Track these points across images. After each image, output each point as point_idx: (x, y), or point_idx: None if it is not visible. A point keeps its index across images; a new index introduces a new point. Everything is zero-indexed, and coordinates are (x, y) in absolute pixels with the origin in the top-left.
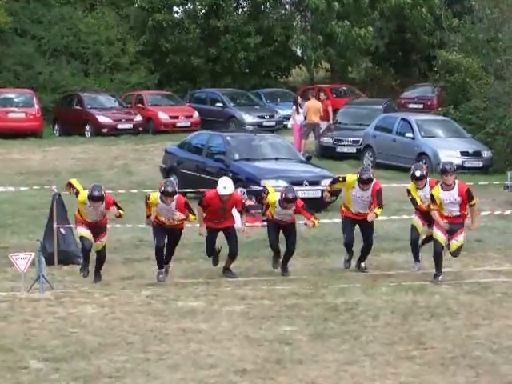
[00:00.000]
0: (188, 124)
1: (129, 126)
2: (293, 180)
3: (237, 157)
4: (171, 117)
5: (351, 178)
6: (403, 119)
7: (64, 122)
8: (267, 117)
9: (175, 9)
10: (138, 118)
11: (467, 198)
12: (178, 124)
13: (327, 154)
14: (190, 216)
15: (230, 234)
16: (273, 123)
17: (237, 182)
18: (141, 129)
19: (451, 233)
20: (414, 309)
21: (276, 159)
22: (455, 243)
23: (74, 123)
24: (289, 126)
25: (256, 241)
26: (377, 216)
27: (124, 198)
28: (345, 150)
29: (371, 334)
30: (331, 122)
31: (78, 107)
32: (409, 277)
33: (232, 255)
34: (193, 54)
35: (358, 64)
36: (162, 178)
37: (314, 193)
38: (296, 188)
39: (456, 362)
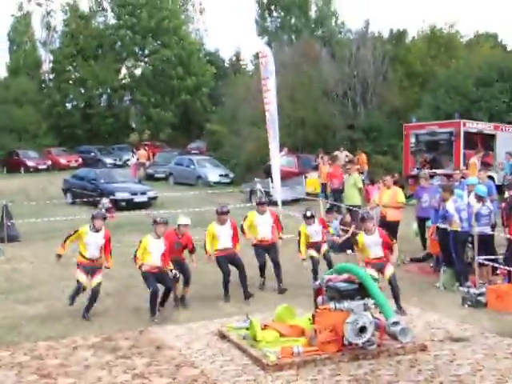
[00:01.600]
0: (76, 165)
1: (44, 166)
2: (131, 191)
3: (102, 181)
4: (67, 161)
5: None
6: (189, 158)
7: (8, 165)
8: (118, 160)
9: (67, 103)
10: (49, 162)
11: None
12: (71, 165)
13: (150, 178)
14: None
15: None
16: (121, 163)
17: (103, 195)
18: (51, 168)
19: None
20: None
21: (123, 182)
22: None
23: (14, 166)
24: (129, 163)
25: None
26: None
27: (41, 204)
28: (159, 175)
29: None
30: (152, 161)
31: (16, 157)
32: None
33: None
34: (76, 128)
35: (165, 131)
36: (63, 195)
37: (142, 198)
38: (131, 196)
39: None
